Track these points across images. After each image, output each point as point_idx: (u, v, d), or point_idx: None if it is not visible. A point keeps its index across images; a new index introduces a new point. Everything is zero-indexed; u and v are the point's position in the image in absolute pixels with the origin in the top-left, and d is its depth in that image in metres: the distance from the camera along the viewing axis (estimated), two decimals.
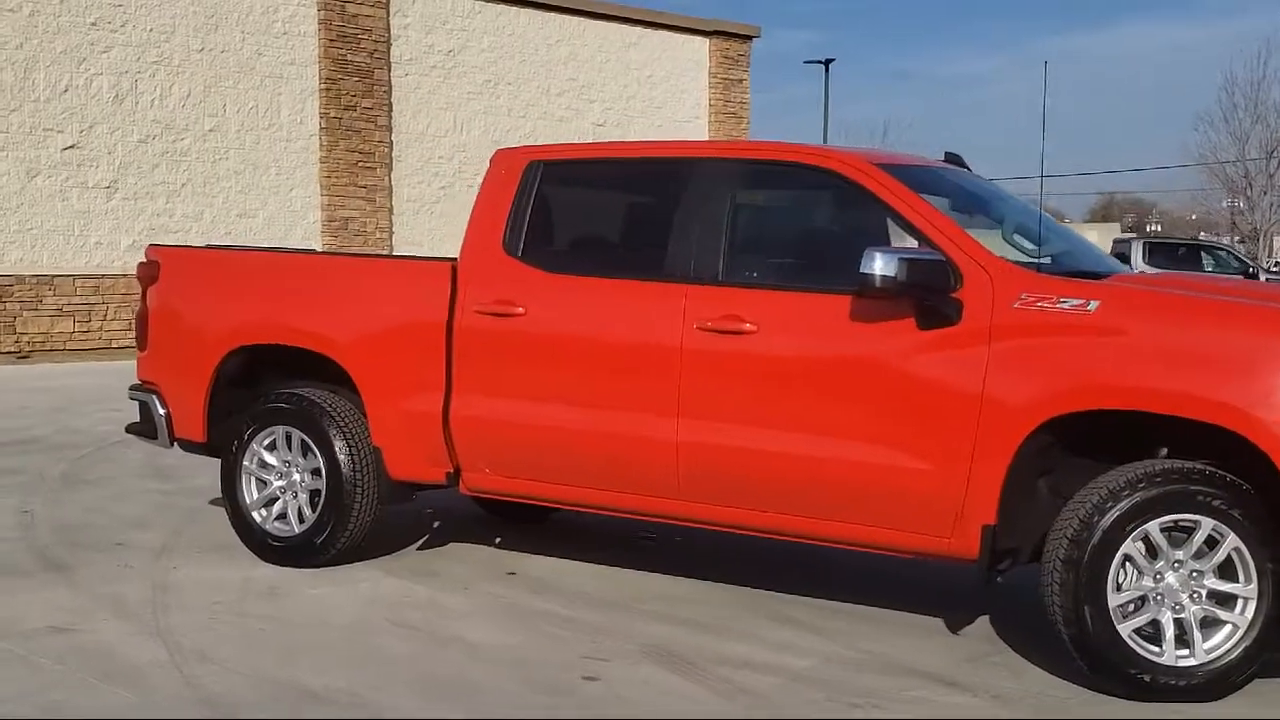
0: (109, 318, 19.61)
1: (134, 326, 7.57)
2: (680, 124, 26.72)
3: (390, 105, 22.57)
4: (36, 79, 18.98)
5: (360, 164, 22.13)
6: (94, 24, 19.40)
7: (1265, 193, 40.46)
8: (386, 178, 22.53)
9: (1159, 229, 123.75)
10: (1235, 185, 41.50)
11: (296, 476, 6.97)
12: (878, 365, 5.49)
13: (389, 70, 22.50)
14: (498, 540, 7.71)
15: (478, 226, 6.59)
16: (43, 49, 18.96)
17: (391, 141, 22.61)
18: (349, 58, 21.88)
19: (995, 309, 5.32)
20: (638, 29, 26.08)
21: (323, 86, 21.69)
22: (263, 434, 7.03)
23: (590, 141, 6.73)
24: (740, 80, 27.66)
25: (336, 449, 6.77)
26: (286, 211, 21.46)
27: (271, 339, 7.00)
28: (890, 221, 5.73)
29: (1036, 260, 5.62)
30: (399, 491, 6.92)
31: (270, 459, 7.04)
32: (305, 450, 6.91)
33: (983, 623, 6.26)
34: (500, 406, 6.38)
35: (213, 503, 8.57)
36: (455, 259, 6.69)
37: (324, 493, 6.82)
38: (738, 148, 6.15)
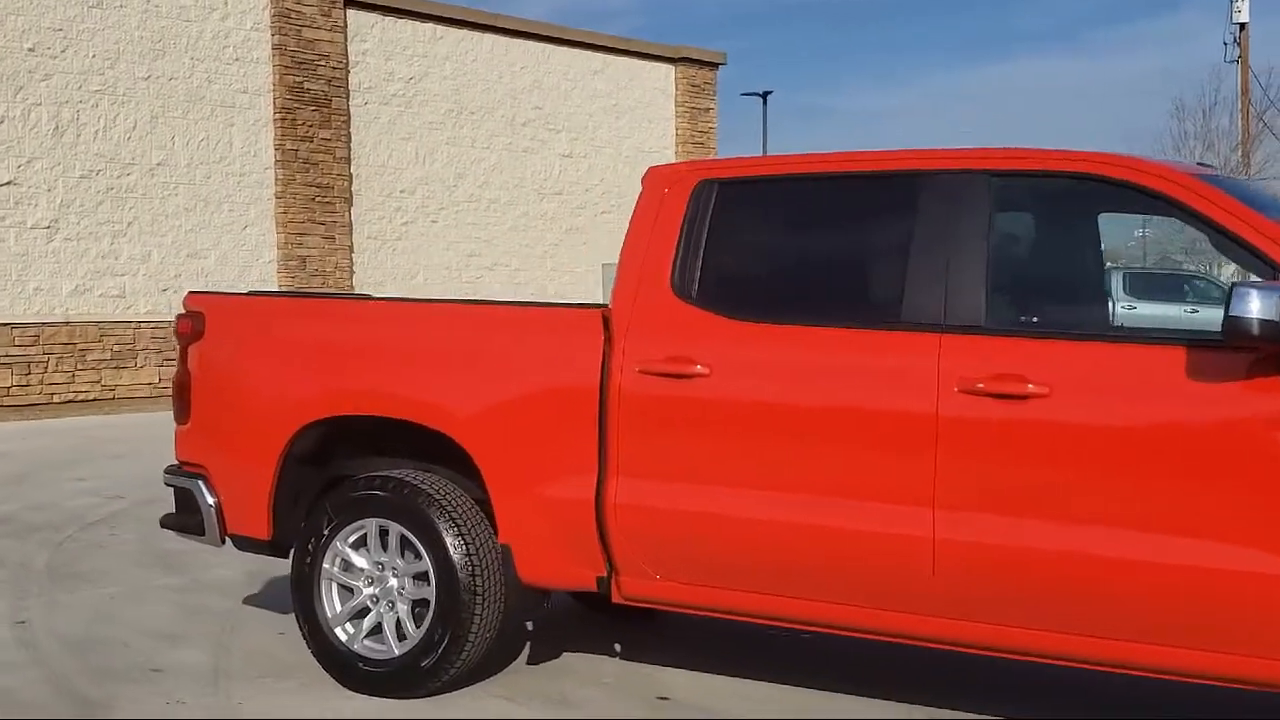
0: (51, 369, 17.89)
1: (172, 394, 6.05)
2: (648, 154, 25.39)
3: (349, 136, 21.06)
4: None
5: (318, 199, 20.58)
6: (31, 49, 17.74)
7: None
8: (346, 213, 21.00)
9: None
10: None
11: (394, 582, 5.51)
12: (1237, 439, 4.15)
13: (347, 99, 21.00)
14: (617, 647, 6.28)
15: (635, 263, 5.20)
16: None
17: (351, 174, 21.09)
18: (305, 85, 20.36)
19: None
20: (602, 55, 24.79)
21: (278, 116, 20.16)
22: (349, 529, 5.56)
23: (775, 155, 5.47)
24: (707, 109, 26.44)
25: (450, 547, 5.32)
26: (240, 250, 19.86)
27: (363, 409, 5.54)
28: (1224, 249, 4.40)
29: None
30: (530, 599, 5.48)
31: (359, 560, 5.57)
32: (405, 549, 5.46)
33: None
34: (677, 493, 4.97)
35: (247, 602, 7.09)
36: (605, 305, 5.29)
37: (434, 603, 5.36)
38: (998, 156, 4.77)
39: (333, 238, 20.80)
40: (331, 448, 5.86)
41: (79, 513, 9.87)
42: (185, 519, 6.01)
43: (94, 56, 18.28)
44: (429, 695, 5.42)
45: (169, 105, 19.04)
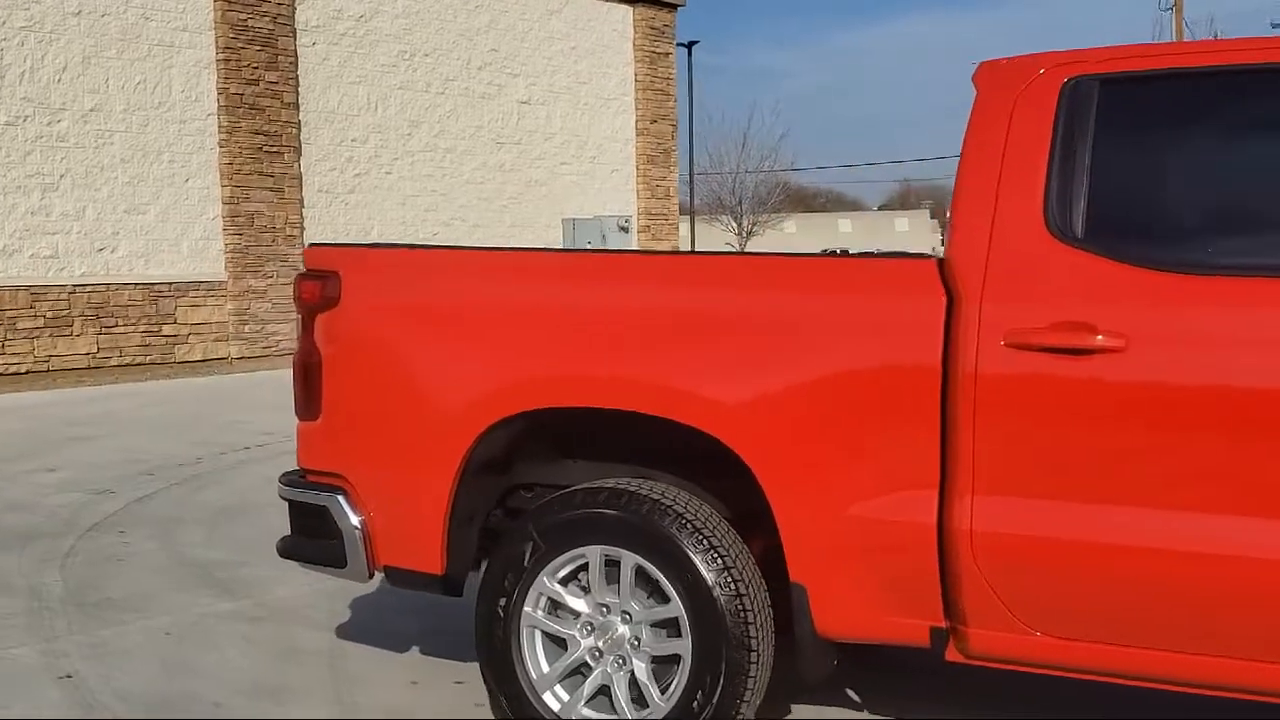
0: None
1: (295, 379, 4.52)
2: (607, 101, 23.89)
3: (297, 80, 19.27)
4: None
5: (265, 148, 18.79)
6: None
7: None
8: (295, 164, 19.23)
9: None
10: None
11: (624, 630, 4.08)
12: None
13: (294, 38, 19.20)
14: (853, 695, 4.92)
15: (983, 193, 3.79)
16: None
17: (300, 121, 19.31)
18: (249, 23, 18.53)
19: None
20: None
21: (220, 57, 18.31)
22: (561, 560, 4.12)
23: (1174, 42, 4.04)
24: (666, 54, 24.93)
25: (714, 586, 3.91)
26: (183, 205, 18.04)
27: (581, 400, 4.08)
28: None
29: None
30: (821, 657, 4.06)
31: (575, 602, 4.14)
32: (642, 585, 4.04)
33: None
34: (1075, 518, 3.58)
35: (344, 635, 5.63)
36: (935, 255, 3.88)
37: (689, 661, 3.95)
38: None
39: (281, 191, 19.03)
40: (517, 449, 4.41)
41: (69, 515, 8.25)
42: (315, 546, 4.50)
43: None
44: None
45: (102, 44, 17.13)
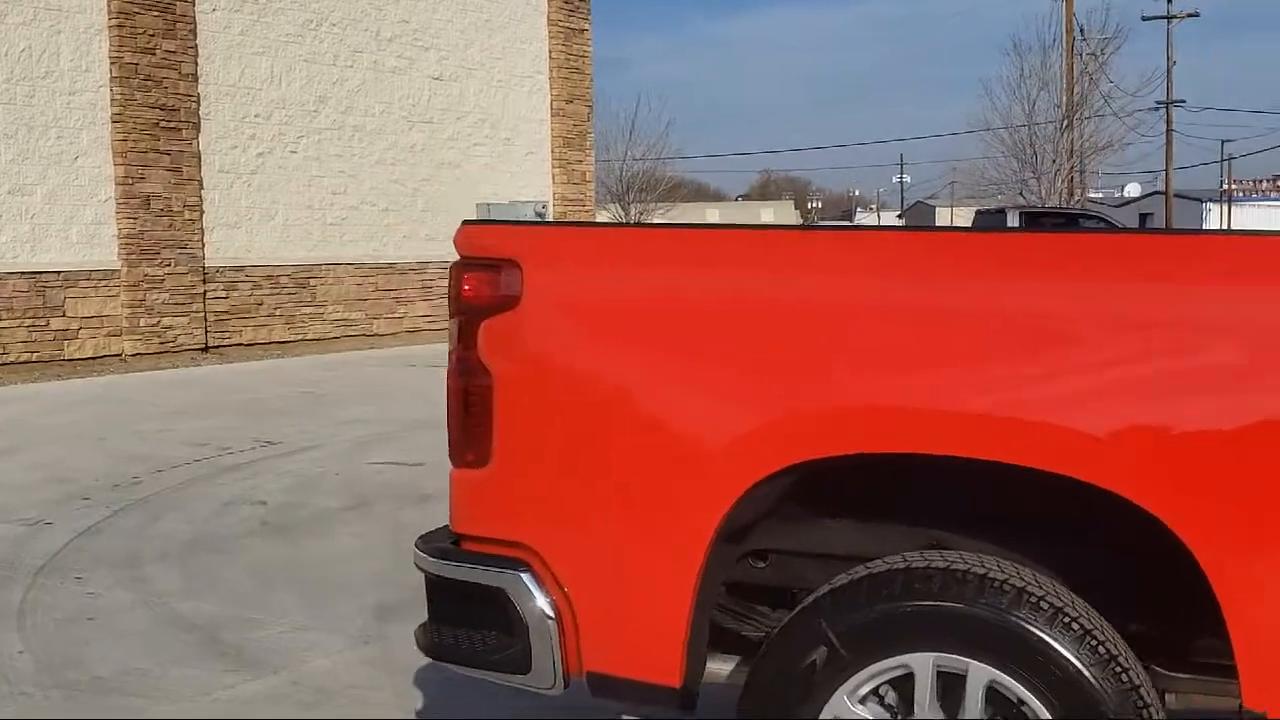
0: None
1: (451, 410, 3.19)
2: (521, 79, 22.54)
3: (196, 49, 17.60)
4: None
5: (163, 124, 17.11)
6: None
7: (1054, 160, 39.06)
8: (194, 141, 17.57)
9: (820, 205, 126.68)
10: (1022, 154, 40.03)
11: None
12: None
13: (193, 3, 17.53)
14: None
15: None
16: None
17: (199, 95, 17.65)
18: None
19: None
20: None
21: (113, 23, 16.60)
22: (867, 673, 2.88)
23: None
24: (581, 30, 23.62)
25: (1107, 708, 2.71)
26: (71, 186, 16.31)
27: (909, 443, 2.83)
28: None
29: None
30: None
31: None
32: (991, 705, 2.82)
33: None
34: None
35: None
36: None
37: None
38: None
39: (179, 170, 17.37)
40: (771, 507, 3.16)
41: (5, 553, 6.78)
42: (484, 643, 3.18)
43: None
44: None
45: None
